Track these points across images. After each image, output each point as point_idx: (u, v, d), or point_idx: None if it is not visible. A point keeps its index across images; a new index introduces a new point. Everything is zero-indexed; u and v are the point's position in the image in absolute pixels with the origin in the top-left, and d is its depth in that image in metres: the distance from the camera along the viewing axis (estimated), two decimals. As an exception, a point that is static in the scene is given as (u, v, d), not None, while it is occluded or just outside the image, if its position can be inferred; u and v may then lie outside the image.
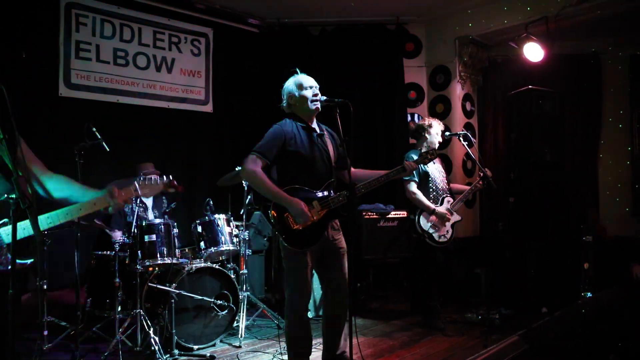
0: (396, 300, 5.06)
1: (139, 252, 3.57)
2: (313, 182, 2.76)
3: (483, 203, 5.78)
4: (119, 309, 3.55)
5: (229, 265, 4.22)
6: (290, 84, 2.90)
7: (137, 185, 2.17)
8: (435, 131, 4.18)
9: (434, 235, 4.06)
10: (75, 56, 4.63)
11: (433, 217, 4.05)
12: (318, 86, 2.88)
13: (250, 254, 4.27)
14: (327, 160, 2.83)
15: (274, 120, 2.89)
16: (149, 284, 3.67)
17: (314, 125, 2.90)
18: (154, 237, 3.62)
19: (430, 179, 4.16)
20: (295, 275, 2.76)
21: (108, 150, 3.44)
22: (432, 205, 4.07)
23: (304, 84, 2.85)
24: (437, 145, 4.21)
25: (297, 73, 2.90)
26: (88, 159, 3.34)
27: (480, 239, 5.56)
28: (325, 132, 2.93)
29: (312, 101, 2.82)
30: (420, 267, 4.24)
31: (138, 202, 3.77)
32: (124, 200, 2.09)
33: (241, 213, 4.28)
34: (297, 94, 2.85)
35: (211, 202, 4.06)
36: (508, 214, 5.03)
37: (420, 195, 4.07)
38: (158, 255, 3.60)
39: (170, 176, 2.23)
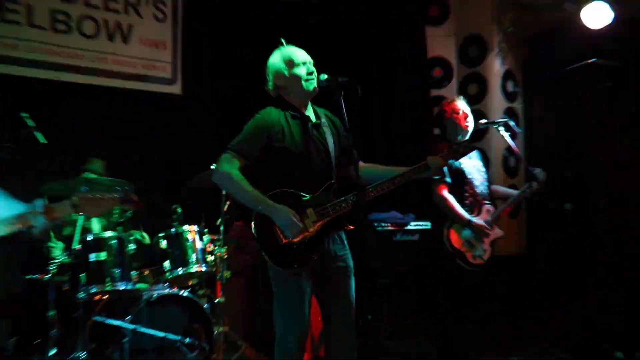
0: (417, 336, 4.96)
1: (82, 275, 3.54)
2: (307, 185, 2.73)
3: (529, 211, 5.77)
4: (54, 351, 3.45)
5: (201, 292, 4.19)
6: (276, 60, 2.85)
7: (76, 201, 1.98)
8: (460, 108, 4.11)
9: (467, 255, 3.96)
10: (-1, 18, 4.58)
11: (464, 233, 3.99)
12: (312, 61, 2.84)
13: (229, 276, 4.22)
14: (325, 157, 2.82)
15: (265, 101, 2.85)
16: (96, 317, 3.60)
17: (309, 112, 2.88)
18: (102, 255, 3.60)
19: (466, 180, 4.06)
20: (287, 304, 2.71)
21: (45, 142, 3.44)
22: (467, 216, 3.98)
23: (294, 60, 2.82)
24: (467, 134, 4.14)
25: (282, 45, 2.86)
26: (18, 154, 3.43)
27: (527, 258, 5.58)
28: (322, 120, 2.90)
29: (306, 80, 2.79)
30: (451, 294, 4.12)
31: None
32: (54, 219, 2.03)
33: (218, 224, 4.22)
34: (286, 72, 2.82)
35: (179, 210, 4.05)
36: (562, 224, 5.06)
37: (452, 202, 3.98)
38: (108, 279, 3.59)
39: (126, 188, 2.05)
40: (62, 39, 4.74)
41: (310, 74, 2.78)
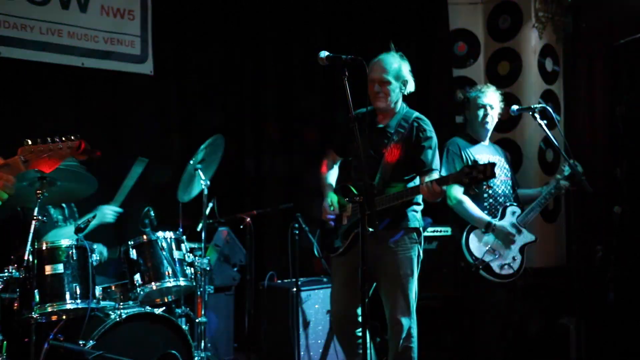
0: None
1: (35, 291, 3.54)
2: (360, 185, 3.57)
3: (571, 215, 5.72)
4: (2, 382, 3.46)
5: (178, 310, 4.25)
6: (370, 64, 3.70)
7: (26, 151, 2.08)
8: (481, 102, 4.26)
9: (492, 264, 4.08)
10: None
11: (487, 238, 4.10)
12: (387, 78, 3.66)
13: (212, 292, 4.34)
14: (374, 162, 3.67)
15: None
16: (52, 341, 3.64)
17: (390, 117, 3.78)
18: (60, 267, 3.61)
19: None
20: (331, 289, 4.00)
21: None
22: (487, 217, 4.10)
23: (370, 75, 3.62)
24: (487, 131, 4.28)
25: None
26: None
27: (567, 271, 5.54)
28: (394, 127, 3.74)
29: (373, 98, 3.73)
30: (475, 313, 4.30)
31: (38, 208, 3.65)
32: (6, 180, 2.04)
33: (199, 229, 4.31)
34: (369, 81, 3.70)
35: (152, 213, 4.06)
36: (611, 231, 5.02)
37: (467, 204, 4.13)
38: (67, 296, 3.59)
39: (79, 136, 2.16)
40: (5, 5, 4.69)
41: (376, 93, 3.65)
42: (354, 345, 3.79)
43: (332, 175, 3.99)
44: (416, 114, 3.80)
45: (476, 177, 3.24)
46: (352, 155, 3.83)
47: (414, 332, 3.64)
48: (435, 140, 3.73)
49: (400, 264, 3.66)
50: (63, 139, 2.33)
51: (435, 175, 3.60)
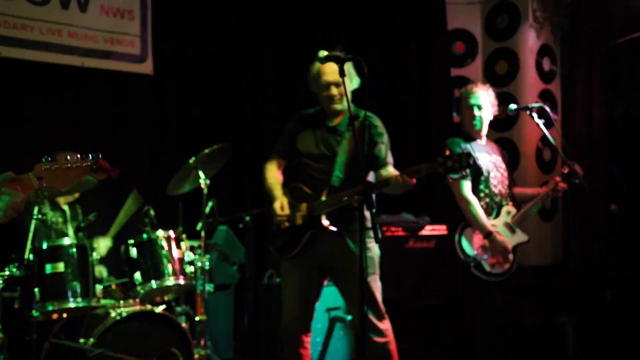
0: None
1: (36, 290, 3.56)
2: (313, 184, 3.59)
3: (568, 214, 5.72)
4: (4, 379, 3.54)
5: (178, 309, 4.27)
6: (312, 69, 3.62)
7: (41, 169, 2.09)
8: (469, 102, 4.20)
9: (483, 262, 4.06)
10: None
11: (478, 237, 4.08)
12: (341, 80, 3.26)
13: (211, 290, 4.34)
14: (329, 161, 3.60)
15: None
16: (52, 339, 3.66)
17: (341, 117, 3.66)
18: (60, 266, 3.62)
19: (482, 177, 4.16)
20: (283, 293, 3.71)
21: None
22: (490, 227, 4.05)
23: (321, 79, 3.54)
24: (477, 131, 4.23)
25: (319, 56, 3.20)
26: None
27: (565, 270, 5.57)
28: (346, 126, 3.63)
29: (327, 102, 3.59)
30: (474, 312, 4.27)
31: (38, 208, 3.73)
32: (19, 200, 2.03)
33: (198, 228, 4.30)
34: (315, 86, 3.62)
35: (152, 212, 4.07)
36: (609, 230, 5.03)
37: (475, 206, 4.07)
38: (67, 294, 3.62)
39: (100, 155, 2.18)
40: (5, 6, 4.68)
41: (333, 96, 3.52)
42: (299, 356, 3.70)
43: (279, 179, 3.77)
44: (364, 111, 3.63)
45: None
46: (300, 157, 3.70)
47: (387, 325, 3.58)
48: (386, 136, 3.66)
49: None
50: (81, 157, 2.31)
51: (390, 169, 3.56)
